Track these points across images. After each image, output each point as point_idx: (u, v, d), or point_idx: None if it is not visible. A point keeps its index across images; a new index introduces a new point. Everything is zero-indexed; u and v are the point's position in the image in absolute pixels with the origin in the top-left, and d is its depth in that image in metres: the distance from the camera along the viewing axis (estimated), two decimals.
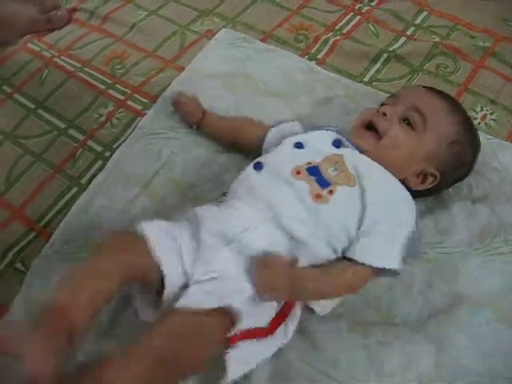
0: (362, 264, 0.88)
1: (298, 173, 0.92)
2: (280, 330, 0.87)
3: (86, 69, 1.34)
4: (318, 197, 0.90)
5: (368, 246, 0.89)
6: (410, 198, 0.95)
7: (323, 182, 0.92)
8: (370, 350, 0.91)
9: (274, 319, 0.86)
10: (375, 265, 0.87)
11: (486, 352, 0.91)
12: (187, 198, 1.09)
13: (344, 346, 0.92)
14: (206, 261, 0.85)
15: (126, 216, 1.07)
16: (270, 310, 0.86)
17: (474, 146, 1.04)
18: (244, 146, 1.12)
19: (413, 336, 0.92)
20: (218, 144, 1.17)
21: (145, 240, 0.84)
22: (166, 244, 0.85)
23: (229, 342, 0.80)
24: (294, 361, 0.91)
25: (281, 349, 0.90)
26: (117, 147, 1.18)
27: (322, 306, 0.92)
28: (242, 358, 0.82)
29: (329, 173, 0.93)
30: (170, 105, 1.19)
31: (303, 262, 0.88)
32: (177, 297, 0.82)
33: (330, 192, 0.91)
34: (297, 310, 0.88)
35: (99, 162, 1.17)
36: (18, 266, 1.04)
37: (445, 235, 1.03)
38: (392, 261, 0.88)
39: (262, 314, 0.85)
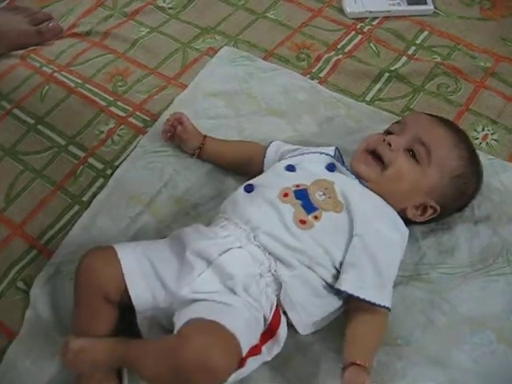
0: (351, 295, 0.88)
1: (286, 195, 0.93)
2: (266, 347, 0.87)
3: (87, 85, 1.34)
4: (302, 222, 0.90)
5: (358, 278, 0.89)
6: (403, 233, 0.96)
7: (309, 207, 0.92)
8: (371, 371, 0.90)
9: (261, 336, 0.86)
10: (368, 299, 0.87)
11: (487, 373, 0.90)
12: (190, 217, 1.08)
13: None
14: (188, 280, 0.86)
15: (128, 235, 1.06)
16: (260, 327, 0.86)
17: (478, 177, 1.04)
18: (246, 169, 1.11)
19: (414, 357, 0.92)
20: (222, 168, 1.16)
21: (118, 262, 0.87)
22: (137, 267, 0.87)
23: (243, 361, 0.80)
24: (294, 380, 0.90)
25: (281, 368, 0.90)
26: (118, 165, 1.18)
27: (304, 326, 0.91)
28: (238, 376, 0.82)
29: (316, 197, 0.93)
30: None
31: (292, 283, 0.88)
32: (155, 317, 0.87)
33: (316, 218, 0.91)
34: (282, 330, 0.88)
35: (100, 180, 1.16)
36: (20, 284, 1.03)
37: (447, 256, 1.03)
38: (384, 297, 0.89)
39: (256, 331, 0.85)
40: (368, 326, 0.88)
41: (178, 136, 1.15)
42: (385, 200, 0.97)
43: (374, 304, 0.87)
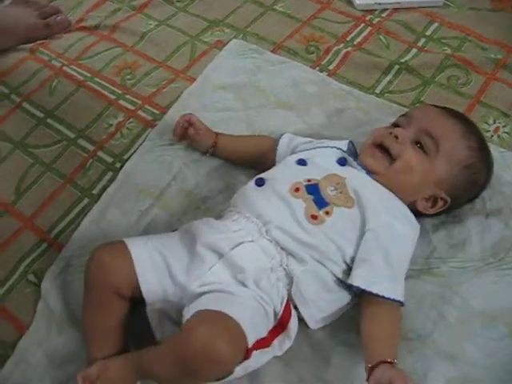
0: (363, 291, 0.87)
1: (297, 190, 0.93)
2: (277, 341, 0.87)
3: (96, 78, 1.34)
4: (313, 217, 0.90)
5: (371, 273, 0.88)
6: (414, 227, 0.96)
7: (321, 202, 0.92)
8: None
9: (272, 330, 0.86)
10: (381, 294, 0.87)
11: (500, 367, 0.90)
12: (200, 210, 1.08)
13: (356, 361, 0.90)
14: (199, 273, 0.86)
15: (138, 228, 1.06)
16: (269, 320, 0.86)
17: (488, 167, 1.03)
18: (259, 163, 1.10)
19: (425, 351, 0.91)
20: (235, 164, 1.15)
21: (130, 257, 0.87)
22: (149, 261, 0.87)
23: (248, 353, 0.80)
24: (305, 375, 0.90)
25: (292, 363, 0.90)
26: (127, 158, 1.18)
27: (314, 321, 0.91)
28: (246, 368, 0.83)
29: (328, 192, 0.93)
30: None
31: (304, 278, 0.88)
32: (165, 310, 0.88)
33: (327, 213, 0.91)
34: (292, 324, 0.88)
35: (109, 173, 1.16)
36: (31, 277, 1.03)
37: (458, 249, 1.02)
38: (397, 291, 0.88)
39: (264, 323, 0.85)
40: (384, 322, 0.87)
41: (190, 138, 1.14)
42: (394, 193, 0.97)
43: (387, 298, 0.86)
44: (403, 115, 1.06)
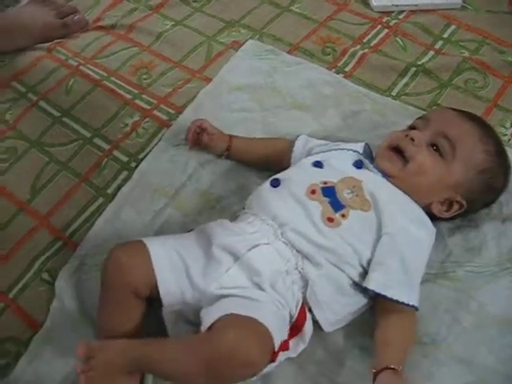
0: (378, 294, 0.87)
1: (313, 192, 0.93)
2: (292, 343, 0.87)
3: (112, 78, 1.35)
4: (329, 220, 0.90)
5: (386, 277, 0.88)
6: (430, 231, 0.95)
7: (337, 205, 0.92)
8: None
9: (288, 333, 0.86)
10: (395, 298, 0.86)
11: None
12: (214, 210, 1.08)
13: (370, 364, 0.88)
14: (216, 275, 0.86)
15: (152, 228, 1.06)
16: (286, 323, 0.85)
17: (505, 172, 1.02)
18: (274, 165, 1.09)
19: (440, 355, 0.90)
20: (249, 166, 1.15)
21: (148, 257, 0.86)
22: (167, 262, 0.87)
23: (275, 356, 0.80)
24: (318, 377, 0.89)
25: (305, 364, 0.90)
26: (143, 158, 1.18)
27: (329, 324, 0.90)
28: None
29: (344, 195, 0.93)
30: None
31: (319, 282, 0.88)
32: (182, 311, 0.87)
33: (343, 216, 0.91)
34: (307, 327, 0.87)
35: (125, 173, 1.16)
36: (45, 276, 1.03)
37: (474, 254, 1.01)
38: (411, 296, 0.88)
39: (284, 326, 0.85)
40: (398, 328, 0.86)
41: (203, 144, 1.14)
42: (410, 196, 0.96)
43: (401, 303, 0.86)
44: (420, 118, 1.05)
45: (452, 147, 0.96)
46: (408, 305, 0.86)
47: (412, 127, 1.02)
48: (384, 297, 0.86)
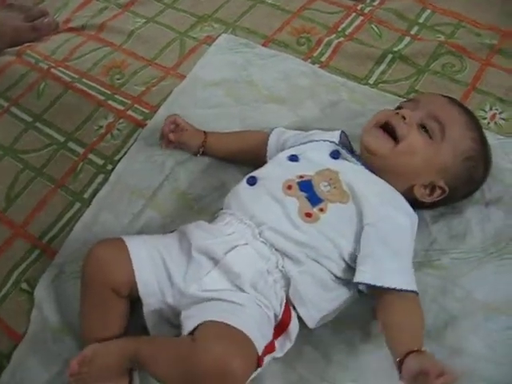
0: (374, 287, 0.85)
1: (289, 188, 0.91)
2: (278, 342, 0.86)
3: (84, 79, 1.32)
4: (307, 216, 0.89)
5: (377, 268, 0.86)
6: (412, 217, 0.93)
7: (314, 199, 0.90)
8: (383, 361, 0.87)
9: (273, 332, 0.85)
10: (392, 286, 0.84)
11: (504, 360, 0.88)
12: (193, 211, 1.07)
13: (357, 357, 0.89)
14: (196, 277, 0.85)
15: (131, 231, 1.04)
16: (270, 324, 0.84)
17: (486, 164, 1.01)
18: (251, 159, 1.08)
19: (428, 345, 0.88)
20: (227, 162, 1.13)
21: (128, 255, 0.86)
22: (148, 260, 0.86)
23: (260, 361, 0.79)
24: (306, 374, 0.89)
25: (292, 362, 0.89)
26: (119, 160, 1.16)
27: (313, 320, 0.89)
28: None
29: (321, 188, 0.91)
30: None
31: (301, 279, 0.87)
32: (163, 311, 0.86)
33: (321, 210, 0.89)
34: (293, 325, 0.86)
35: (101, 176, 1.14)
36: (24, 285, 1.02)
37: (458, 240, 1.00)
38: (407, 281, 0.86)
39: (268, 327, 0.84)
40: (405, 313, 0.85)
41: (178, 141, 1.12)
42: (393, 177, 0.95)
43: (399, 290, 0.84)
44: (408, 100, 1.04)
45: (441, 130, 0.95)
46: (406, 290, 0.85)
47: (400, 108, 1.01)
48: (380, 288, 0.84)
